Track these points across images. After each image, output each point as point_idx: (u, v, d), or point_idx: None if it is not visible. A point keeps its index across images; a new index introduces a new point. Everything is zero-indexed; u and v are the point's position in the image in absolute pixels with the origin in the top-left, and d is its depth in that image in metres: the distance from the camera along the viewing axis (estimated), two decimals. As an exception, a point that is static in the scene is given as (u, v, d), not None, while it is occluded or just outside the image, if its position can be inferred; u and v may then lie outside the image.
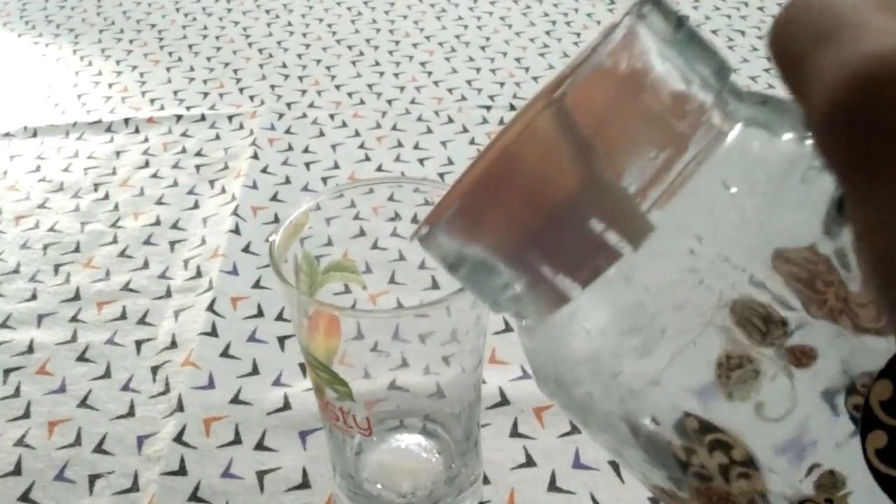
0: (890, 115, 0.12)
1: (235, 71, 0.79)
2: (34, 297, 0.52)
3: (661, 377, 0.17)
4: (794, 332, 0.16)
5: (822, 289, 0.16)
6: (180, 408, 0.43)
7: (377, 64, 0.79)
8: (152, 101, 0.75)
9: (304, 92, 0.75)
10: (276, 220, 0.58)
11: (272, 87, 0.76)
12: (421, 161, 0.64)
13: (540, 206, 0.19)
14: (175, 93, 0.76)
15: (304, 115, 0.71)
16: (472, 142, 0.66)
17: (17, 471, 0.41)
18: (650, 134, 0.19)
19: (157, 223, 0.59)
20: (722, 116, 0.19)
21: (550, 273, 0.19)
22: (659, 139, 0.19)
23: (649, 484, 0.20)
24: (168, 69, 0.81)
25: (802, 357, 0.17)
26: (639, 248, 0.18)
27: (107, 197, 0.62)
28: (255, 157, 0.64)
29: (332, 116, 0.70)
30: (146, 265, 0.54)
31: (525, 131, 0.19)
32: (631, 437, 0.19)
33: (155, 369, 0.46)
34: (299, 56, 0.81)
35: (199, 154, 0.67)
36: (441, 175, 0.62)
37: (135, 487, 0.39)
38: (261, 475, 0.39)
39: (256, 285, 0.51)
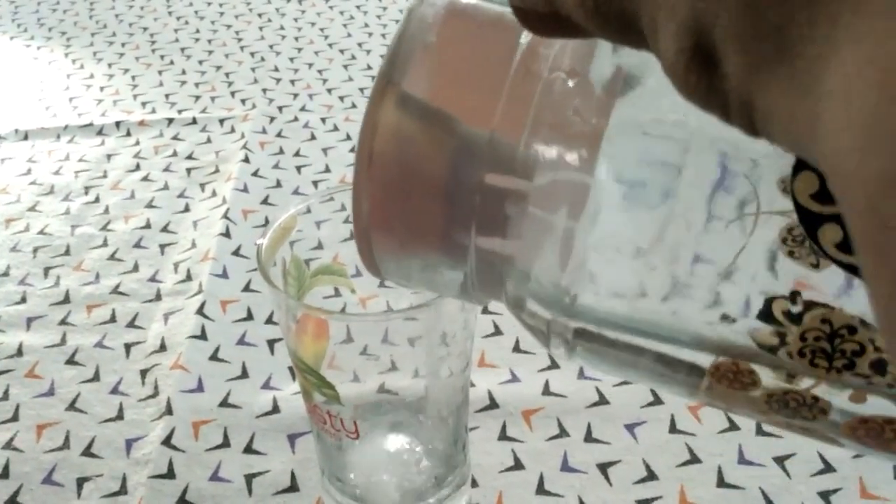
0: None
1: (227, 74, 0.80)
2: (23, 300, 0.52)
3: (730, 277, 0.17)
4: None
5: None
6: (169, 411, 0.43)
7: (369, 68, 0.79)
8: (144, 104, 0.75)
9: (295, 95, 0.75)
10: (267, 223, 0.58)
11: (264, 90, 0.76)
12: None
13: (430, 189, 0.19)
14: (166, 96, 0.76)
15: (296, 119, 0.71)
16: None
17: (5, 474, 0.41)
18: (493, 78, 0.19)
19: (148, 226, 0.59)
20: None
21: (480, 242, 0.19)
22: (499, 79, 0.19)
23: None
24: (160, 72, 0.81)
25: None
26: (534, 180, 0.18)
27: (97, 200, 0.62)
28: (246, 160, 0.64)
29: (323, 120, 0.71)
30: (136, 268, 0.54)
31: (379, 132, 0.19)
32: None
33: (144, 373, 0.46)
34: (291, 60, 0.82)
35: (189, 157, 0.67)
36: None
37: (123, 491, 0.39)
38: (249, 478, 0.39)
39: (246, 289, 0.51)
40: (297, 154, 0.66)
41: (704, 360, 0.18)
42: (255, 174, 0.63)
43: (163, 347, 0.47)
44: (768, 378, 0.17)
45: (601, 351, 0.20)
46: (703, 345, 0.18)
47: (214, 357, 0.46)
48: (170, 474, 0.40)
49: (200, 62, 0.82)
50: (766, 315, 0.17)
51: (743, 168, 0.17)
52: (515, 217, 0.19)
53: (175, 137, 0.70)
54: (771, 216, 0.16)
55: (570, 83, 0.19)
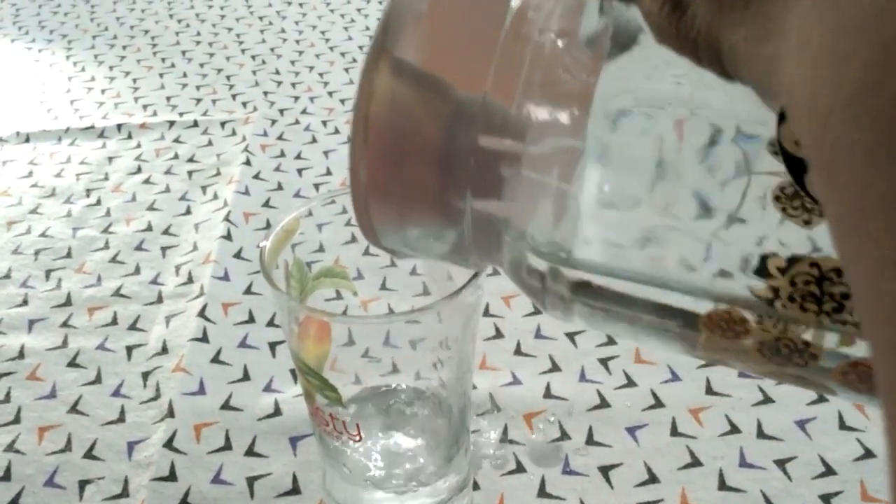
0: None
1: (228, 77, 0.80)
2: (25, 302, 0.52)
3: (725, 234, 0.17)
4: None
5: None
6: (171, 414, 0.43)
7: (370, 71, 0.79)
8: (145, 106, 0.76)
9: (296, 98, 0.75)
10: (268, 226, 0.58)
11: (265, 93, 0.76)
12: (413, 168, 0.64)
13: (426, 154, 0.19)
14: (168, 99, 0.77)
15: (297, 122, 0.71)
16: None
17: (7, 476, 0.41)
18: (484, 42, 0.19)
19: (149, 229, 0.59)
20: None
21: (476, 205, 0.19)
22: (490, 43, 0.19)
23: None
24: (161, 75, 0.81)
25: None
26: (525, 141, 0.18)
27: (99, 203, 0.62)
28: (248, 163, 0.65)
29: (324, 123, 0.71)
30: (137, 271, 0.54)
31: (374, 99, 0.19)
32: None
33: (146, 375, 0.46)
34: (292, 63, 0.82)
35: (191, 160, 0.67)
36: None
37: (125, 493, 0.39)
38: (251, 481, 0.39)
39: (248, 291, 0.52)
40: (298, 157, 0.66)
41: (700, 307, 0.18)
42: (256, 177, 0.63)
43: (164, 350, 0.47)
44: (758, 327, 0.17)
45: (599, 307, 0.20)
46: (699, 295, 0.18)
47: (216, 360, 0.46)
48: (171, 477, 0.40)
49: (201, 65, 0.82)
50: (762, 271, 0.17)
51: (733, 129, 0.17)
52: (510, 178, 0.19)
53: (176, 140, 0.70)
54: (763, 176, 0.17)
55: (560, 43, 0.19)
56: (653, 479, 0.38)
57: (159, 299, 0.52)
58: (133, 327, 0.50)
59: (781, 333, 0.17)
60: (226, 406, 0.43)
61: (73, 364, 0.47)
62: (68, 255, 0.57)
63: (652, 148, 0.18)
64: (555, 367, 0.45)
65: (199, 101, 0.76)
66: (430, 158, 0.19)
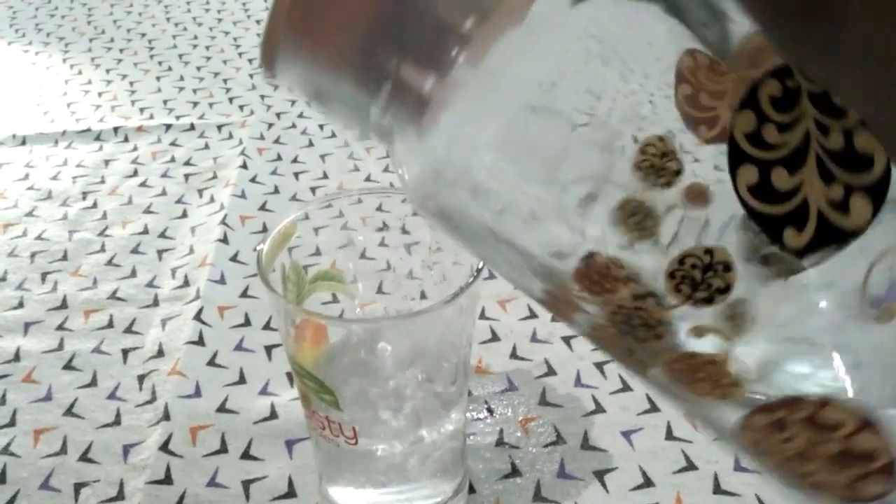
0: None
1: (225, 80, 0.80)
2: (21, 305, 0.52)
3: (568, 215, 0.16)
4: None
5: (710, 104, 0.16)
6: (166, 416, 0.43)
7: (367, 75, 0.79)
8: (142, 110, 0.76)
9: (293, 102, 0.75)
10: (265, 229, 0.58)
11: (262, 96, 0.76)
12: (409, 172, 0.64)
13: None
14: (164, 102, 0.77)
15: (294, 125, 0.71)
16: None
17: (2, 479, 0.40)
18: None
19: (145, 232, 0.59)
20: None
21: (404, 67, 0.17)
22: None
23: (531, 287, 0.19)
24: (158, 78, 0.81)
25: (696, 197, 0.16)
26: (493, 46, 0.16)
27: (95, 205, 0.62)
28: (244, 166, 0.65)
29: (321, 126, 0.71)
30: (133, 274, 0.54)
31: None
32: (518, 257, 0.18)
33: (141, 378, 0.46)
34: (289, 66, 0.82)
35: (187, 163, 0.67)
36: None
37: (120, 496, 0.39)
38: (247, 484, 0.39)
39: (244, 294, 0.52)
40: (294, 160, 0.66)
41: (571, 264, 0.17)
42: (252, 180, 0.63)
43: (160, 353, 0.47)
44: (626, 292, 0.17)
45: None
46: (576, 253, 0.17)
47: (212, 363, 0.46)
48: (167, 480, 0.40)
49: (198, 68, 0.82)
50: (586, 263, 0.17)
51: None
52: (449, 55, 0.17)
53: (173, 143, 0.70)
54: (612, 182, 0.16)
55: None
56: (648, 482, 0.38)
57: (155, 302, 0.52)
58: (129, 330, 0.50)
59: (641, 304, 0.17)
60: (222, 409, 0.43)
61: (68, 367, 0.47)
62: (64, 257, 0.57)
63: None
64: (550, 371, 0.45)
65: (195, 104, 0.76)
66: (369, 7, 0.17)
